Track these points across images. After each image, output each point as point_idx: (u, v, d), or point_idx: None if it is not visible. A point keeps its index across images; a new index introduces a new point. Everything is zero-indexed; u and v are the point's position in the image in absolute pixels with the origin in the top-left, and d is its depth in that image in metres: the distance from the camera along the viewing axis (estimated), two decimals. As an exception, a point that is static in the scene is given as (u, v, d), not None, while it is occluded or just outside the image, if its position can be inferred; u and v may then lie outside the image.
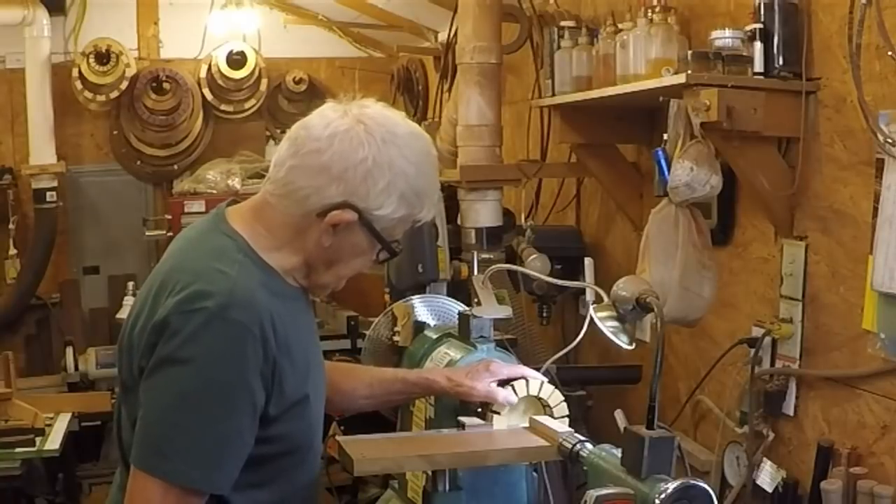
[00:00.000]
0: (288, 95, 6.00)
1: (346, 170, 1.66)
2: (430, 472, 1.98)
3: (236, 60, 5.72)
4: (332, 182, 1.66)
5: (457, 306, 2.60)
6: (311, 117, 1.73)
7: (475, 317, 2.30)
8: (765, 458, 2.63)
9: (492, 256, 3.26)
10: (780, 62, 2.46)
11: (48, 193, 5.45)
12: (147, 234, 5.39)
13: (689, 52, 2.48)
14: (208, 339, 1.57)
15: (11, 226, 5.46)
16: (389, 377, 2.18)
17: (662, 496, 1.59)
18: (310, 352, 1.81)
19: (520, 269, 2.93)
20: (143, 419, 1.61)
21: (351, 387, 2.13)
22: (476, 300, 2.36)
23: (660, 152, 2.50)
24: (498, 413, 2.05)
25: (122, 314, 5.01)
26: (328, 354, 2.26)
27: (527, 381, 2.08)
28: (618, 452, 1.74)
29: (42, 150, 5.45)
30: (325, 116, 1.71)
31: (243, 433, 1.62)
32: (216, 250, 1.69)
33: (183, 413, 1.58)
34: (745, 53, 2.47)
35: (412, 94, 5.58)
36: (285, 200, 1.70)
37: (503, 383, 2.08)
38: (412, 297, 2.68)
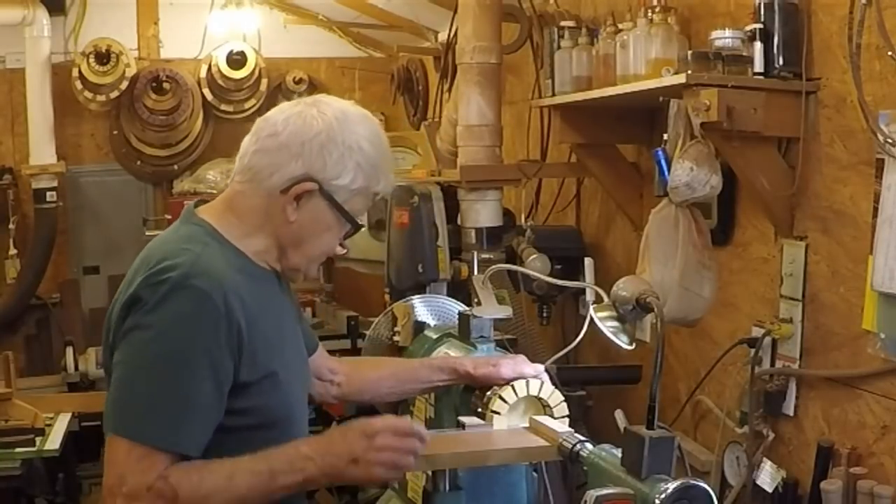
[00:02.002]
0: (288, 95, 5.99)
1: (303, 144, 1.77)
2: (430, 472, 1.98)
3: (236, 60, 5.72)
4: (292, 158, 1.77)
5: (457, 306, 2.60)
6: (270, 111, 1.86)
7: (475, 317, 2.30)
8: (765, 458, 2.63)
9: (492, 256, 3.26)
10: (780, 62, 2.46)
11: (48, 193, 5.46)
12: (147, 234, 5.37)
13: (689, 52, 2.48)
14: (170, 306, 1.65)
15: (11, 226, 5.47)
16: (416, 363, 2.27)
17: (662, 496, 1.59)
18: (284, 330, 1.87)
19: (520, 269, 2.93)
20: (111, 387, 1.70)
21: (376, 375, 2.21)
22: (476, 300, 2.37)
23: (660, 152, 2.50)
24: (498, 413, 2.05)
25: (123, 314, 5.01)
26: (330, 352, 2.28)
27: (527, 381, 2.08)
28: (618, 452, 1.74)
29: (42, 150, 5.45)
30: (281, 107, 1.85)
31: (205, 395, 1.66)
32: (185, 236, 1.79)
33: (145, 376, 1.65)
34: (745, 53, 2.47)
35: (412, 94, 5.58)
36: (250, 184, 1.80)
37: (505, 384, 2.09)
38: (412, 297, 2.68)
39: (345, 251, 1.93)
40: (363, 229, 2.15)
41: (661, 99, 2.55)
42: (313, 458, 1.71)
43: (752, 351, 2.67)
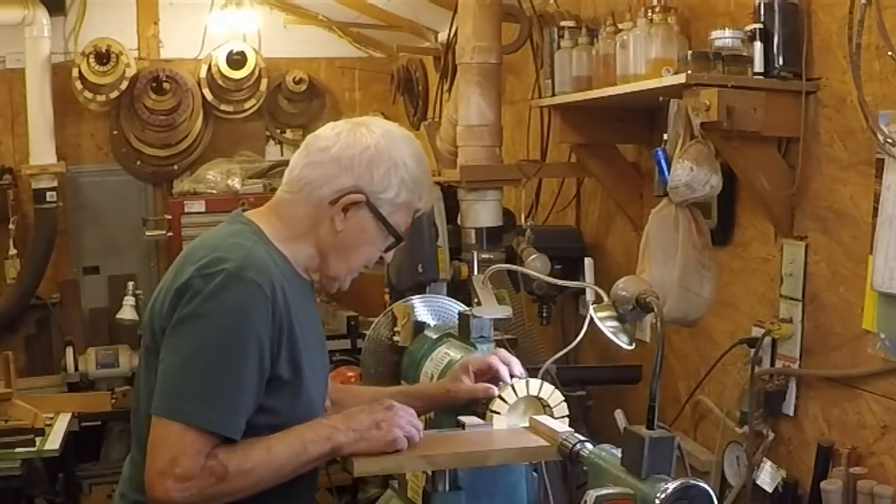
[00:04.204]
0: (288, 95, 6.00)
1: (353, 157, 1.87)
2: (430, 472, 1.98)
3: (236, 60, 5.72)
4: (342, 171, 1.87)
5: (457, 306, 2.59)
6: (320, 129, 1.96)
7: (475, 317, 2.30)
8: (765, 458, 2.63)
9: (492, 256, 3.25)
10: (780, 62, 2.46)
11: (48, 193, 5.45)
12: (147, 234, 5.39)
13: (689, 52, 2.48)
14: (226, 296, 1.73)
15: (11, 226, 5.45)
16: (394, 391, 2.26)
17: (662, 496, 1.60)
18: (313, 339, 1.94)
19: (520, 269, 2.93)
20: (163, 371, 1.75)
21: (355, 404, 2.18)
22: (476, 300, 2.37)
23: (660, 152, 2.50)
24: (498, 413, 2.05)
25: (123, 314, 5.02)
26: (328, 354, 2.28)
27: (527, 381, 2.08)
28: (618, 452, 1.74)
29: (42, 150, 5.44)
30: (331, 125, 1.95)
31: (252, 383, 1.76)
32: (233, 232, 1.89)
33: (200, 362, 1.73)
34: (745, 53, 2.47)
35: (412, 94, 5.58)
36: (300, 194, 1.90)
37: (495, 381, 2.10)
38: (412, 297, 2.68)
39: (386, 262, 2.02)
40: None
41: (661, 99, 2.55)
42: (339, 427, 1.83)
43: (752, 351, 2.67)
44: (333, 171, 1.87)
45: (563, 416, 2.07)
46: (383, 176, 1.88)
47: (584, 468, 1.81)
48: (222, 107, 5.85)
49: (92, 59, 5.43)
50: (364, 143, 1.88)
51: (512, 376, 2.12)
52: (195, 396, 1.71)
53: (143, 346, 1.88)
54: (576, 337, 2.27)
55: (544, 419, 2.03)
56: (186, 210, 5.21)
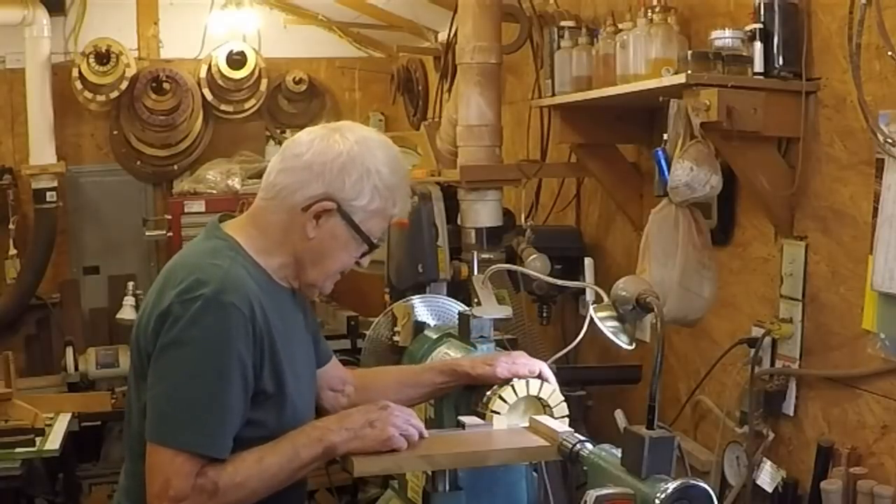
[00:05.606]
0: (288, 95, 6.00)
1: (324, 164, 1.88)
2: (430, 472, 1.98)
3: (236, 60, 5.72)
4: (314, 178, 1.88)
5: (457, 306, 2.60)
6: (298, 133, 1.98)
7: (475, 317, 2.30)
8: (765, 458, 2.63)
9: (492, 256, 3.26)
10: (780, 62, 2.46)
11: (48, 193, 5.45)
12: (147, 234, 5.39)
13: (689, 52, 2.48)
14: (206, 322, 1.76)
15: (11, 226, 5.46)
16: (418, 369, 2.31)
17: (662, 496, 1.60)
18: (297, 346, 1.95)
19: (520, 269, 2.93)
20: (154, 399, 1.79)
21: (382, 384, 2.23)
22: (476, 300, 2.37)
23: (660, 152, 2.50)
24: (498, 413, 2.05)
25: (123, 314, 5.02)
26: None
27: (527, 381, 2.08)
28: (618, 452, 1.74)
29: (42, 150, 5.44)
30: (308, 130, 1.97)
31: (237, 403, 1.79)
32: (210, 250, 1.90)
33: (188, 389, 1.76)
34: (745, 53, 2.47)
35: (412, 94, 5.58)
36: (274, 201, 1.91)
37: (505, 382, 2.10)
38: (412, 297, 2.68)
39: (362, 268, 2.03)
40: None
41: (661, 99, 2.55)
42: (331, 428, 1.85)
43: (752, 351, 2.67)
44: (305, 177, 1.88)
45: (563, 416, 2.07)
46: (355, 183, 1.88)
47: (584, 468, 1.81)
48: (222, 107, 5.85)
49: (92, 60, 5.43)
50: (336, 150, 1.88)
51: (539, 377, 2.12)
52: (184, 423, 1.75)
53: (131, 363, 1.92)
54: (576, 337, 2.27)
55: (544, 419, 2.03)
56: (186, 210, 5.21)
